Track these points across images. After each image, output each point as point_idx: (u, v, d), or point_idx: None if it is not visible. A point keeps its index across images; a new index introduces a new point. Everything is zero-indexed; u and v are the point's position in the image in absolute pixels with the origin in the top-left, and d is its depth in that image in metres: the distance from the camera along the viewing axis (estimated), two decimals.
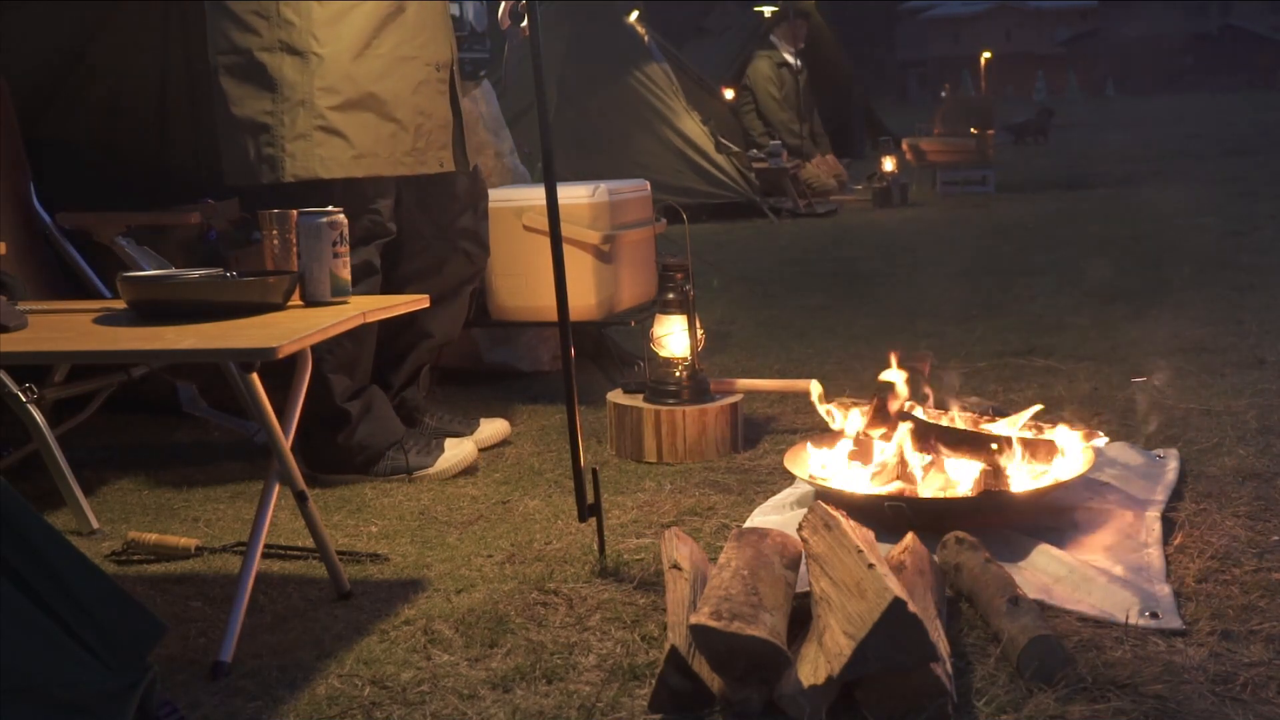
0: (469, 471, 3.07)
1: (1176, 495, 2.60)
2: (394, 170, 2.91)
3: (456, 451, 3.08)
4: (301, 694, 1.91)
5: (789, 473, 2.71)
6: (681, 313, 3.20)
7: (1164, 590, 2.10)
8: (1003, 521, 2.41)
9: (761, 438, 3.28)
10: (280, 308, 2.22)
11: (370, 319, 2.25)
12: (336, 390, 3.00)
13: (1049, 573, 2.19)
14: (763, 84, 10.67)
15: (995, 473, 2.49)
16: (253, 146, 2.80)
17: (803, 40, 10.84)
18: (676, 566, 2.04)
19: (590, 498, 2.35)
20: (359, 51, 2.82)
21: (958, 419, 2.69)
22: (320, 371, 2.94)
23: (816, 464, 2.69)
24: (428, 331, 3.24)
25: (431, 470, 3.03)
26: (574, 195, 3.57)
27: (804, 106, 10.73)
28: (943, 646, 1.81)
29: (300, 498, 2.22)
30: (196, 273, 2.40)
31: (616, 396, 3.27)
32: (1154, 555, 2.26)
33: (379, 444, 3.04)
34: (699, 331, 3.24)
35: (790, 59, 10.72)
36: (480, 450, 3.18)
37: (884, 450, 2.63)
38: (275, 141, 2.78)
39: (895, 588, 1.69)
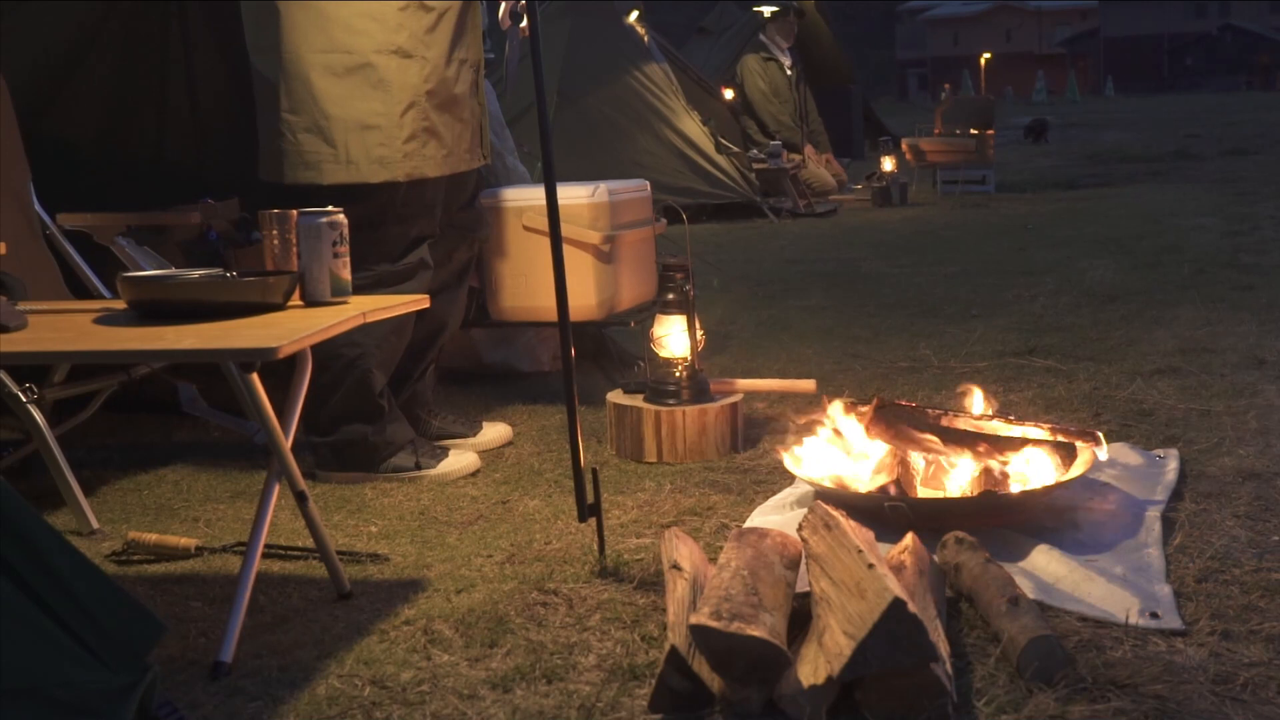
0: (470, 475, 3.08)
1: (1176, 495, 2.60)
2: (459, 168, 3.03)
3: (459, 457, 3.09)
4: (301, 694, 1.91)
5: (789, 473, 2.71)
6: (681, 313, 3.20)
7: (1164, 590, 2.10)
8: (1003, 521, 2.41)
9: (761, 438, 3.28)
10: (280, 308, 2.22)
11: (370, 319, 2.24)
12: (377, 386, 3.03)
13: (1049, 573, 2.19)
14: (750, 78, 10.68)
15: (996, 473, 2.50)
16: (358, 145, 2.85)
17: (791, 39, 10.85)
18: (676, 566, 2.04)
19: (590, 498, 2.35)
20: (449, 56, 2.93)
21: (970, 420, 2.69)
22: (365, 366, 2.98)
23: (813, 465, 2.69)
24: (443, 321, 3.28)
25: (433, 473, 3.04)
26: (574, 195, 3.57)
27: (795, 102, 10.72)
28: (943, 646, 1.81)
29: (300, 498, 2.22)
30: (196, 273, 2.40)
31: (616, 396, 3.27)
32: (1154, 555, 2.26)
33: (399, 440, 3.05)
34: (699, 331, 3.24)
35: (779, 55, 10.72)
36: (481, 453, 3.19)
37: (882, 450, 2.63)
38: (389, 142, 2.86)
39: (895, 588, 1.69)
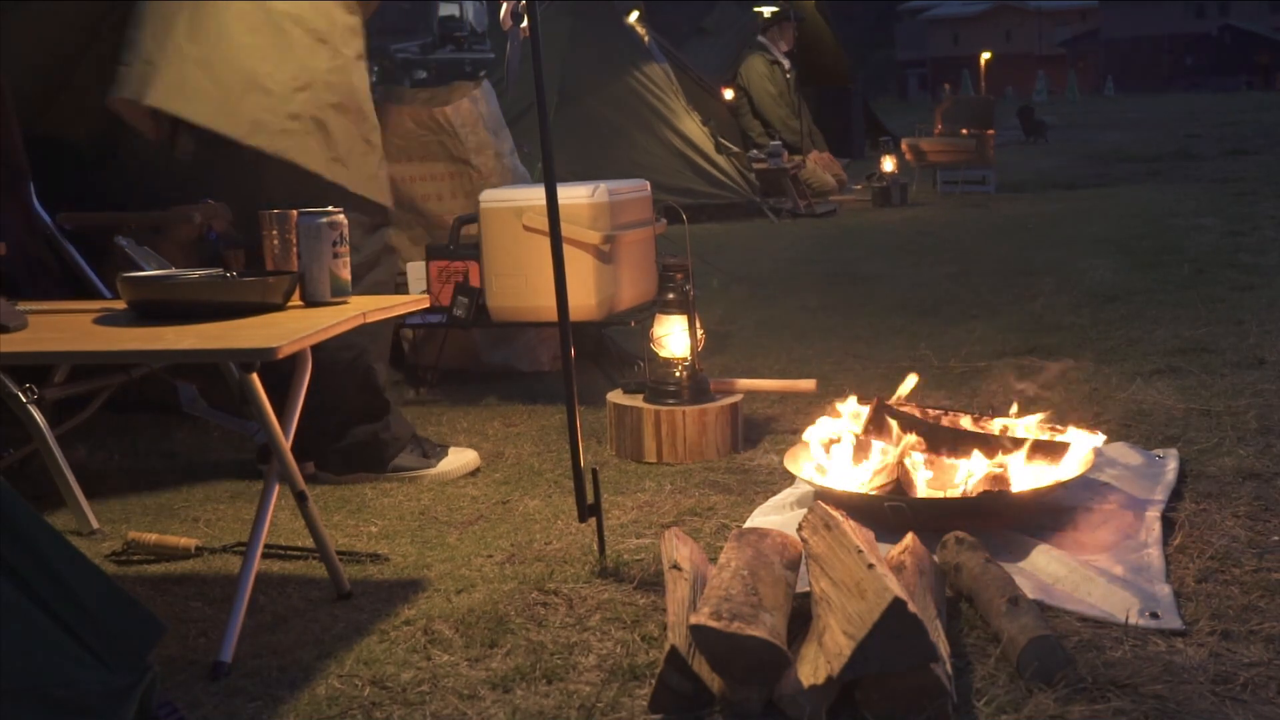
0: (471, 474, 3.08)
1: (1176, 495, 2.60)
2: (354, 186, 2.92)
3: (459, 454, 3.08)
4: (301, 694, 1.91)
5: (789, 473, 2.71)
6: (681, 313, 3.21)
7: (1164, 590, 2.10)
8: (1003, 521, 2.41)
9: (761, 438, 3.28)
10: (280, 308, 2.23)
11: (371, 319, 2.25)
12: (381, 380, 3.02)
13: (1049, 573, 2.19)
14: (759, 81, 10.69)
15: (996, 473, 2.50)
16: (243, 101, 2.80)
17: (792, 43, 10.87)
18: (676, 566, 2.04)
19: (590, 498, 2.35)
20: (361, 69, 2.93)
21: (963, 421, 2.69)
22: (366, 364, 2.96)
23: (815, 465, 2.69)
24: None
25: (433, 471, 3.03)
26: (574, 195, 3.57)
27: (794, 104, 10.76)
28: (943, 646, 1.81)
29: (300, 498, 2.22)
30: (196, 273, 2.40)
31: (616, 396, 3.27)
32: (1154, 555, 2.26)
33: (404, 436, 3.05)
34: (699, 331, 3.24)
35: (780, 58, 10.74)
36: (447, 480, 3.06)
37: (883, 450, 2.63)
38: (274, 109, 2.81)
39: (895, 588, 1.69)
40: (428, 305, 2.49)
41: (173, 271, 2.64)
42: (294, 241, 2.32)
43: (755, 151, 9.94)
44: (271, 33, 2.80)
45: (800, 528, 2.01)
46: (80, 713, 1.39)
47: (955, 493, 2.50)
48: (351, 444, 3.01)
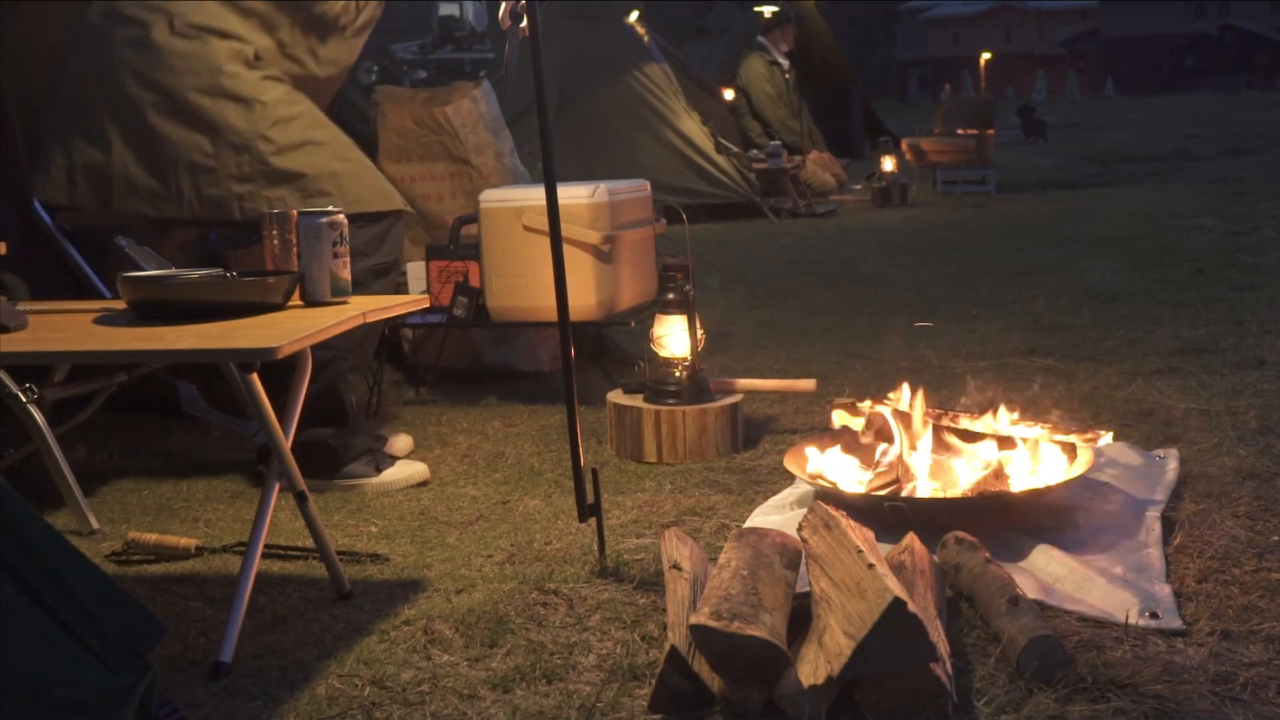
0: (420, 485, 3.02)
1: (1176, 495, 2.60)
2: (358, 208, 2.94)
3: (407, 466, 3.05)
4: (301, 694, 1.91)
5: (789, 473, 2.71)
6: (681, 313, 3.21)
7: (1164, 590, 2.10)
8: (1003, 521, 2.41)
9: (761, 438, 3.28)
10: (280, 308, 2.23)
11: (370, 319, 2.25)
12: (348, 391, 3.01)
13: (1049, 573, 2.19)
14: (757, 82, 10.69)
15: (996, 473, 2.50)
16: (190, 185, 2.90)
17: (792, 44, 10.89)
18: (676, 566, 2.04)
19: (590, 498, 2.35)
20: (297, 100, 2.99)
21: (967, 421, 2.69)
22: (338, 370, 2.95)
23: (816, 465, 2.69)
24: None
25: (374, 481, 2.99)
26: (574, 195, 3.57)
27: (794, 105, 10.77)
28: (943, 646, 1.81)
29: (300, 498, 2.22)
30: (196, 273, 2.40)
31: (616, 396, 3.27)
32: (1154, 555, 2.26)
33: (359, 447, 3.02)
34: (699, 331, 3.24)
35: (780, 59, 10.75)
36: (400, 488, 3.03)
37: (884, 451, 2.64)
38: (219, 183, 2.89)
39: (895, 588, 1.69)
40: (428, 305, 2.49)
41: (173, 271, 2.64)
42: (294, 241, 2.32)
43: (755, 151, 9.93)
44: (188, 115, 2.88)
45: (800, 528, 2.01)
46: (80, 713, 1.39)
47: (955, 493, 2.51)
48: (300, 443, 2.99)
